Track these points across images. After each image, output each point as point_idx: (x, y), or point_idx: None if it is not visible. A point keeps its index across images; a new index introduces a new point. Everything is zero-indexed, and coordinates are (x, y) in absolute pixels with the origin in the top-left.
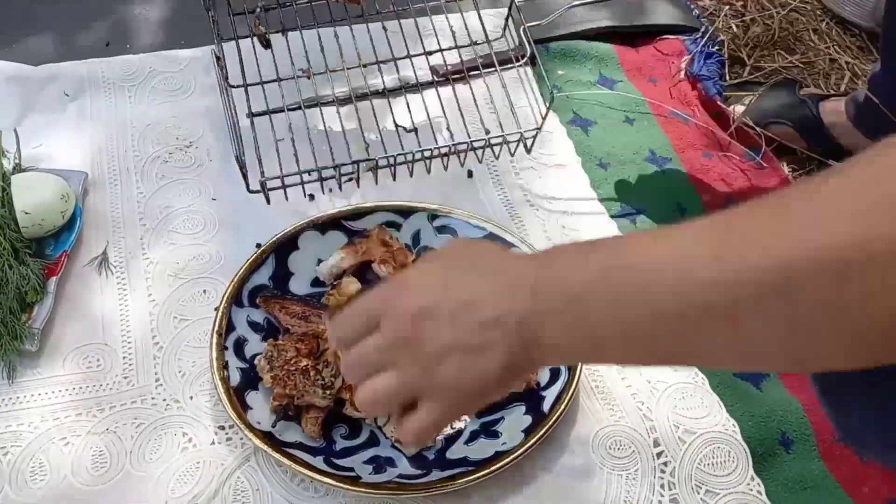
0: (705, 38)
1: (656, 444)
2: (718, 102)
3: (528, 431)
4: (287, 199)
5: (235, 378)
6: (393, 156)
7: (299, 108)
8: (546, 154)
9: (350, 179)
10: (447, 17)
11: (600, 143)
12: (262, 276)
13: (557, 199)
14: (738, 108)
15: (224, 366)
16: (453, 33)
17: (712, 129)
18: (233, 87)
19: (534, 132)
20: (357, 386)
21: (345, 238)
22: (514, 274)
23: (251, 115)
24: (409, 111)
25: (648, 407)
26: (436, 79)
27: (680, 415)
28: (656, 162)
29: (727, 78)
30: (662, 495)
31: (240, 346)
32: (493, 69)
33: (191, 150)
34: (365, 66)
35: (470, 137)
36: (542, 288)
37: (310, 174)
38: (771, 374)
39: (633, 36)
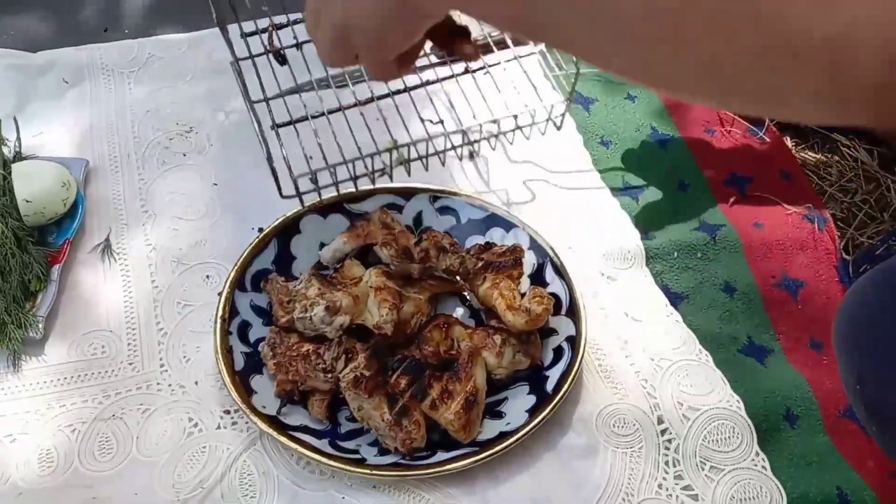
0: None
1: (660, 421)
2: None
3: (532, 411)
4: (321, 199)
5: (240, 363)
6: (425, 145)
7: (323, 114)
8: (547, 132)
9: (383, 174)
10: None
11: (602, 120)
12: (265, 261)
13: (559, 176)
14: None
15: (228, 350)
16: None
17: None
18: (254, 102)
19: (563, 104)
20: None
21: (346, 221)
22: None
23: (275, 126)
24: (433, 104)
25: (652, 385)
26: (453, 71)
27: (684, 392)
28: (658, 138)
29: None
30: (667, 472)
31: (244, 330)
32: (506, 48)
33: (191, 136)
34: None
35: (497, 121)
36: None
37: (337, 169)
38: (775, 350)
39: None
